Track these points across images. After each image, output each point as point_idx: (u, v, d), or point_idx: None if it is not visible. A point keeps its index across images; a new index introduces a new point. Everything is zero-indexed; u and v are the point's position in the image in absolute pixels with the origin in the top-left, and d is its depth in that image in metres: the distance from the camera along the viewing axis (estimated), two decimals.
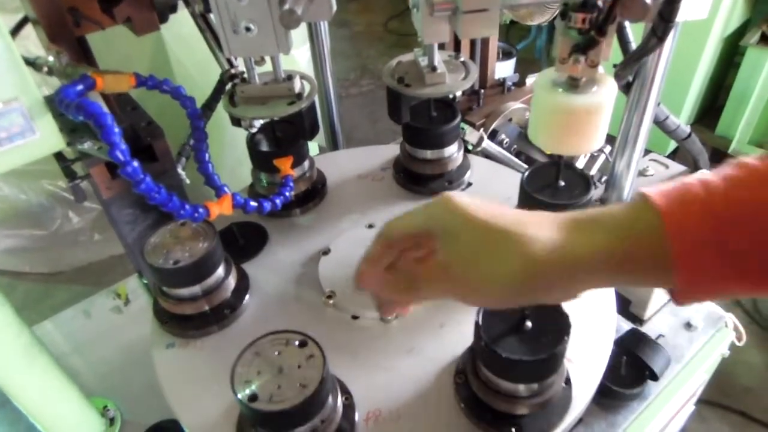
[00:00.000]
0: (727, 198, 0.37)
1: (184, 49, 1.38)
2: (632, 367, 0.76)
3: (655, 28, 0.53)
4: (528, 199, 0.67)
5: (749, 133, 2.34)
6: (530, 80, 1.10)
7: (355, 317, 0.68)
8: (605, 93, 0.57)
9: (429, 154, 0.82)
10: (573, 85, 0.57)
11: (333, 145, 1.10)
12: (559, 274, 0.40)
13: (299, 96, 0.76)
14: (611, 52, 0.58)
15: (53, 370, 0.72)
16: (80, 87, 0.61)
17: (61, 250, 2.19)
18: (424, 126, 0.80)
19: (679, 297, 0.39)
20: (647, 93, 0.74)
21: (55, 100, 0.60)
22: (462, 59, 0.78)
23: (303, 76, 0.79)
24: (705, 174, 0.38)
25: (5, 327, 0.67)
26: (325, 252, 0.75)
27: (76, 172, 0.80)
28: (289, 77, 0.76)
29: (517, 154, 1.03)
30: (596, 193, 0.93)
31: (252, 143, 0.81)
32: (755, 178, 0.37)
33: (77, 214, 2.07)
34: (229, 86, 0.79)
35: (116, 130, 0.53)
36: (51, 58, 0.64)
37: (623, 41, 0.66)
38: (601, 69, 0.57)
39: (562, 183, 0.68)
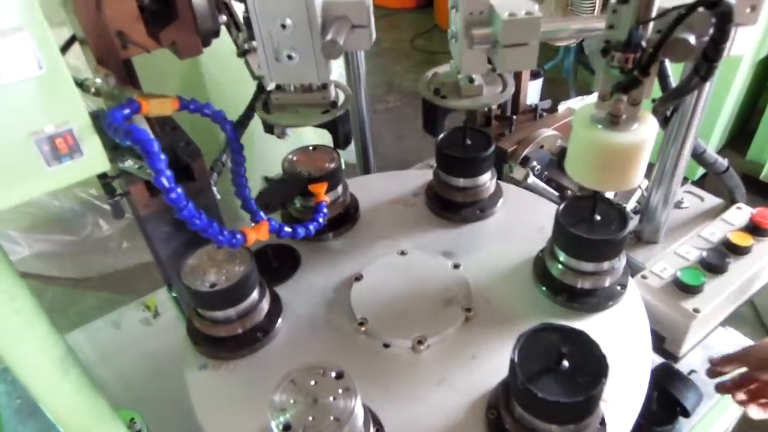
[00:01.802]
0: None
1: (218, 66, 1.41)
2: (664, 402, 0.75)
3: (699, 68, 0.52)
4: (563, 233, 0.67)
5: None
6: (562, 107, 1.10)
7: (386, 345, 0.68)
8: (646, 131, 0.57)
9: (462, 182, 0.82)
10: (613, 122, 0.56)
11: (364, 162, 1.11)
12: None
13: (334, 104, 0.76)
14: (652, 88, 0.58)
15: (85, 383, 0.73)
16: (127, 111, 0.63)
17: (90, 257, 2.24)
18: (458, 154, 0.80)
19: None
20: (686, 127, 0.73)
21: (103, 123, 0.61)
22: (498, 72, 0.78)
23: (337, 85, 0.80)
24: None
25: (42, 338, 0.69)
26: (358, 278, 0.76)
27: (115, 189, 0.82)
28: (324, 86, 0.76)
29: (548, 181, 1.03)
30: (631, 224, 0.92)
31: (287, 168, 0.82)
32: None
33: (107, 221, 2.12)
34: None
35: (162, 157, 0.54)
36: (99, 80, 0.66)
37: (662, 76, 0.66)
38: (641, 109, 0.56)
39: (598, 217, 0.67)
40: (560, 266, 0.71)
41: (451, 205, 0.85)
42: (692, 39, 0.51)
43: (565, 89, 2.71)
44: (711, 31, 0.49)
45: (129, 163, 0.72)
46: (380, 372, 0.66)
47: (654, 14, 0.49)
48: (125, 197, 0.83)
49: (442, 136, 0.82)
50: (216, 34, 0.78)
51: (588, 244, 0.66)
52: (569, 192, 1.02)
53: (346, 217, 0.85)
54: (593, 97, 1.11)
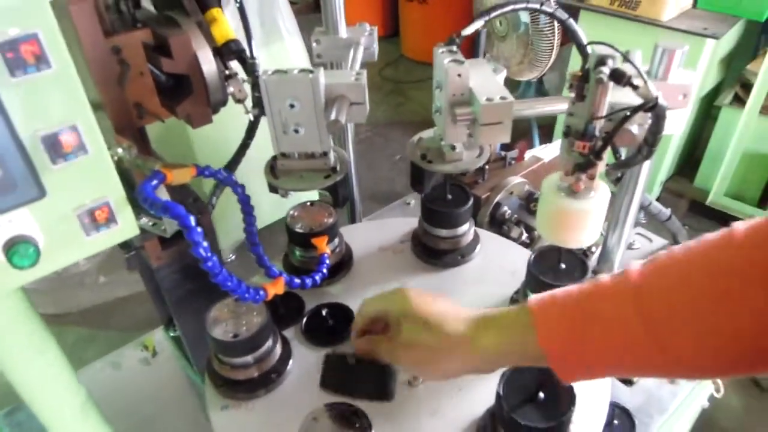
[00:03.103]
0: (580, 305, 0.52)
1: None
2: (621, 419, 0.87)
3: (641, 149, 0.65)
4: (534, 280, 0.79)
5: (725, 186, 2.50)
6: (528, 155, 1.23)
7: None
8: (599, 199, 0.69)
9: (444, 232, 0.93)
10: (573, 191, 0.69)
11: (351, 210, 1.21)
12: (470, 358, 0.61)
13: (334, 169, 0.85)
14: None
15: (101, 424, 0.81)
16: (155, 182, 0.71)
17: (68, 292, 2.26)
18: (441, 208, 0.91)
19: (560, 376, 0.56)
20: (634, 185, 0.86)
21: (137, 196, 0.70)
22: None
23: (336, 150, 0.88)
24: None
25: (67, 386, 0.77)
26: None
27: (131, 244, 0.90)
28: (325, 153, 0.84)
29: (517, 223, 1.15)
30: (591, 264, 1.05)
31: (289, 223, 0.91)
32: (602, 293, 0.52)
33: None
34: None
35: (199, 230, 0.63)
36: (120, 150, 0.75)
37: (614, 150, 0.79)
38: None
39: (563, 265, 0.79)
40: None
41: (434, 252, 0.96)
42: (635, 129, 0.64)
43: (526, 124, 2.88)
44: (649, 123, 0.62)
45: (144, 221, 0.81)
46: (382, 404, 0.76)
47: (605, 113, 0.61)
48: (138, 251, 0.92)
49: (426, 193, 0.93)
50: (224, 103, 0.87)
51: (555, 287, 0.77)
52: (536, 233, 1.15)
53: (342, 264, 0.95)
54: (554, 146, 1.25)
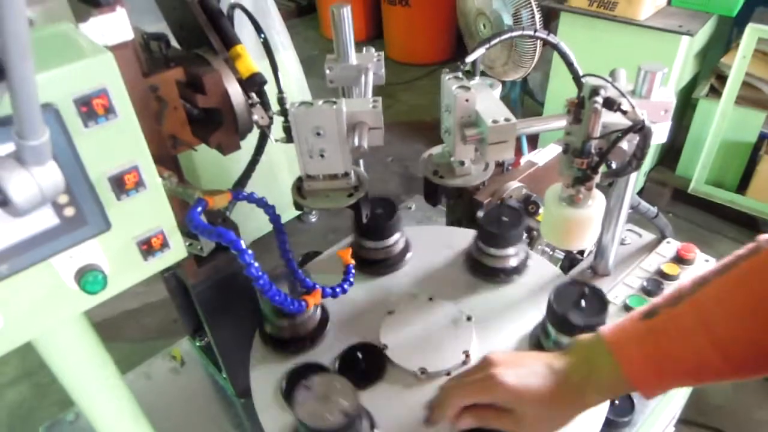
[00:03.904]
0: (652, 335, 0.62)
1: None
2: (622, 398, 0.96)
3: (630, 162, 0.74)
4: (555, 315, 0.84)
5: (705, 174, 2.62)
6: (523, 160, 1.32)
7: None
8: (596, 207, 0.79)
9: (495, 251, 1.01)
10: (573, 200, 0.78)
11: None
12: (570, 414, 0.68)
13: (356, 188, 0.93)
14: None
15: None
16: (199, 209, 0.79)
17: None
18: (496, 230, 0.99)
19: (646, 396, 0.66)
20: (624, 189, 0.96)
21: (188, 224, 0.77)
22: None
23: (356, 171, 0.95)
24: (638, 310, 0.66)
25: (120, 398, 0.85)
26: (390, 312, 0.95)
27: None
28: (346, 173, 0.92)
29: None
30: (587, 260, 1.15)
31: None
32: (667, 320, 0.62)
33: None
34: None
35: (250, 252, 0.71)
36: (160, 180, 0.82)
37: (607, 162, 0.88)
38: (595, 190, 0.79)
39: (583, 302, 0.83)
40: (551, 343, 0.87)
41: (487, 270, 1.02)
42: (626, 146, 0.73)
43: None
44: (637, 140, 0.71)
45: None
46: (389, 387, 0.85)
47: (599, 134, 0.70)
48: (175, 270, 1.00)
49: (483, 213, 1.02)
50: (250, 130, 0.95)
51: (575, 327, 0.82)
52: (535, 233, 1.24)
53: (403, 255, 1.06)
54: (549, 150, 1.34)
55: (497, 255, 1.01)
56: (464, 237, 1.12)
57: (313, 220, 2.97)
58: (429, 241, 1.13)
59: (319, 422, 0.68)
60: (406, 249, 1.09)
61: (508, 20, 2.54)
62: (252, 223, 2.04)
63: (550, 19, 2.70)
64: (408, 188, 3.21)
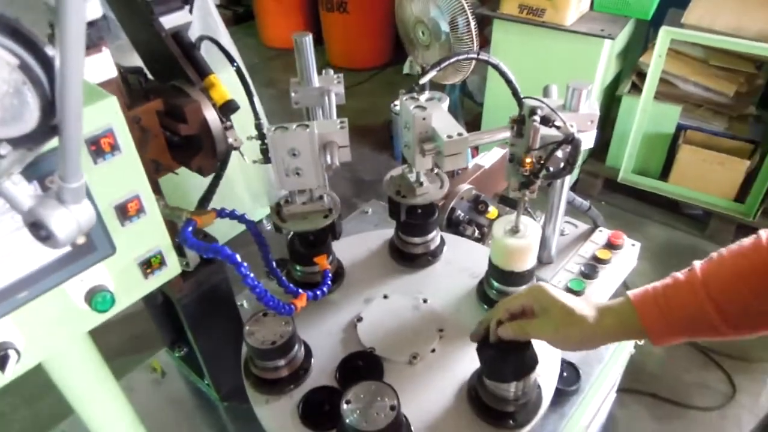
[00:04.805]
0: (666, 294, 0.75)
1: None
2: (569, 371, 1.11)
3: (564, 167, 0.88)
4: (496, 270, 1.01)
5: (632, 164, 2.84)
6: (471, 164, 1.45)
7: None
8: (532, 237, 0.94)
9: (418, 239, 1.15)
10: (514, 231, 0.93)
11: None
12: (596, 338, 0.79)
13: (330, 210, 1.04)
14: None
15: None
16: (190, 228, 0.87)
17: None
18: (416, 221, 1.13)
19: (655, 343, 0.77)
20: (561, 187, 1.11)
21: (182, 243, 0.85)
22: (436, 172, 1.11)
23: (329, 194, 1.06)
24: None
25: (119, 408, 0.91)
26: (359, 319, 1.06)
27: None
28: (321, 197, 1.04)
29: (469, 222, 1.37)
30: None
31: (292, 244, 1.09)
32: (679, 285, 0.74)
33: None
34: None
35: (245, 264, 0.80)
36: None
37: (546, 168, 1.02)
38: (530, 220, 0.94)
39: None
40: (494, 291, 1.05)
41: (410, 257, 1.17)
42: (560, 154, 0.87)
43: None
44: (569, 149, 0.85)
45: None
46: (389, 380, 0.95)
47: (538, 146, 0.83)
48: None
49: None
50: (229, 153, 1.03)
51: (512, 275, 0.99)
52: (485, 228, 1.38)
53: (337, 275, 1.14)
54: (493, 154, 1.48)
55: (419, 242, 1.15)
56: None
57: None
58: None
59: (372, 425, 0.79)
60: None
61: (445, 27, 2.68)
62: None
63: (483, 25, 2.86)
64: (358, 191, 3.30)
